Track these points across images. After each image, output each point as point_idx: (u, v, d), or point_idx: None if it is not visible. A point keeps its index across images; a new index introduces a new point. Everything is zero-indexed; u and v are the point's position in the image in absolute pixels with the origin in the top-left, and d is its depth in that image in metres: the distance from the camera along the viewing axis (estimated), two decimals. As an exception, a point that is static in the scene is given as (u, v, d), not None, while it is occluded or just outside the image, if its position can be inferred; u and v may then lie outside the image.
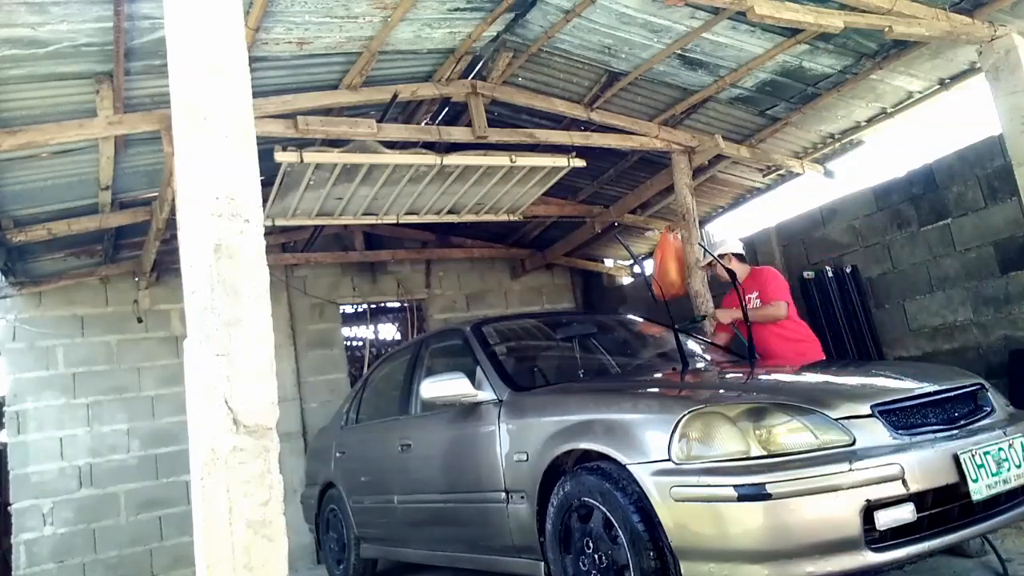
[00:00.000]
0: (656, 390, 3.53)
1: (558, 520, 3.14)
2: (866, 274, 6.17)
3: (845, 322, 6.20)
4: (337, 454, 5.42)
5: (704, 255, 4.95)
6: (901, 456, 2.52)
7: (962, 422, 2.85)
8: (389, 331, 8.99)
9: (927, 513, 2.52)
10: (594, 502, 2.95)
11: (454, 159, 5.49)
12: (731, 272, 4.53)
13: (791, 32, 4.70)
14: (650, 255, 7.82)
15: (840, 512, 2.41)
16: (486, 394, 3.73)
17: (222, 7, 2.33)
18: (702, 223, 7.24)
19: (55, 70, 4.04)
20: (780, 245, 6.89)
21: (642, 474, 2.73)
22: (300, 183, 5.35)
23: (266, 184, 3.55)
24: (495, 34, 4.88)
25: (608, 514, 2.88)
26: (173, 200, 4.65)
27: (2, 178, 4.96)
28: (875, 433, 2.63)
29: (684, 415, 2.71)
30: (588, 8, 4.50)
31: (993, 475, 2.64)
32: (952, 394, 2.95)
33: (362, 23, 4.31)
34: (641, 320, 5.20)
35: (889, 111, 5.81)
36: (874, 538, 2.43)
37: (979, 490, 2.58)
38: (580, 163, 5.92)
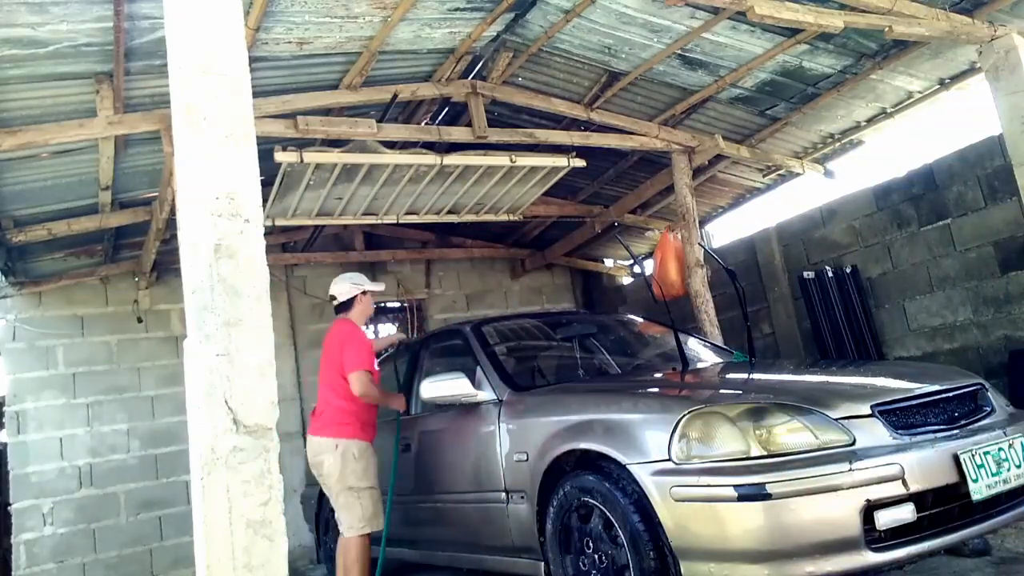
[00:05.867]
0: (656, 390, 3.53)
1: (558, 520, 3.14)
2: (866, 274, 6.17)
3: (845, 322, 6.20)
4: (337, 454, 5.41)
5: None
6: (901, 456, 2.53)
7: (962, 422, 2.85)
8: (389, 331, 8.98)
9: (927, 513, 2.53)
10: (594, 502, 2.95)
11: (454, 159, 5.49)
12: (731, 272, 4.52)
13: (791, 32, 4.70)
14: (650, 255, 7.83)
15: (840, 512, 2.42)
16: (486, 394, 3.74)
17: (222, 7, 2.32)
18: (702, 223, 7.25)
19: (55, 70, 4.04)
20: (780, 245, 6.89)
21: (642, 474, 2.73)
22: (300, 183, 5.35)
23: (266, 184, 3.55)
24: (495, 34, 4.87)
25: (608, 514, 2.88)
26: (173, 200, 4.65)
27: (2, 178, 4.96)
28: (875, 433, 2.63)
29: (684, 415, 2.71)
30: (588, 8, 4.50)
31: (993, 475, 2.64)
32: (952, 394, 2.95)
33: (362, 23, 4.31)
34: (641, 320, 5.20)
35: (889, 111, 5.81)
36: (874, 538, 2.43)
37: (979, 490, 2.58)
38: (580, 163, 5.92)
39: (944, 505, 2.57)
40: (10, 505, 6.43)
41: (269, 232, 3.16)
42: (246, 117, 2.29)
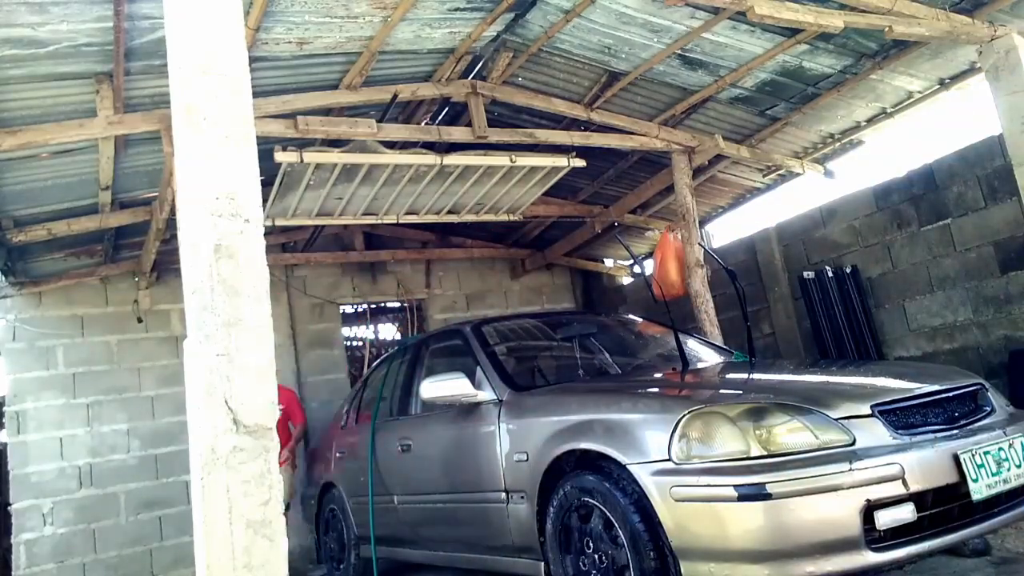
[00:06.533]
0: (656, 390, 3.53)
1: (558, 520, 3.14)
2: (866, 274, 6.17)
3: (845, 322, 6.20)
4: (337, 454, 5.42)
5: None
6: (901, 456, 2.52)
7: (962, 422, 2.85)
8: (389, 331, 8.98)
9: (927, 513, 2.52)
10: (594, 502, 2.95)
11: (454, 159, 5.49)
12: (731, 272, 4.52)
13: (791, 32, 4.70)
14: (650, 255, 7.83)
15: (840, 512, 2.41)
16: (486, 394, 3.73)
17: (222, 7, 2.33)
18: (702, 223, 7.25)
19: (55, 70, 4.04)
20: (780, 245, 6.89)
21: (642, 474, 2.73)
22: (300, 183, 5.35)
23: (266, 184, 3.55)
24: (495, 34, 4.87)
25: (608, 514, 2.88)
26: (173, 200, 4.65)
27: (2, 178, 4.96)
28: (875, 433, 2.63)
29: (684, 415, 2.71)
30: (588, 8, 4.50)
31: (993, 475, 2.64)
32: (952, 394, 2.95)
33: (362, 23, 4.31)
34: (641, 320, 5.20)
35: (889, 111, 5.81)
36: (874, 538, 2.43)
37: (979, 490, 2.58)
38: (580, 163, 5.93)
39: (944, 505, 2.56)
40: (10, 505, 6.43)
41: (269, 232, 3.16)
42: (246, 117, 2.29)
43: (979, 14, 4.50)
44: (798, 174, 6.70)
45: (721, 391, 3.31)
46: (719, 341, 5.49)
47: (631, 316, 5.57)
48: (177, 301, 6.82)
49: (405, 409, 4.67)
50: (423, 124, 5.77)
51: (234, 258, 2.14)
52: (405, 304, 8.58)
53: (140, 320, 7.04)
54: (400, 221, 6.47)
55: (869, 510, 2.42)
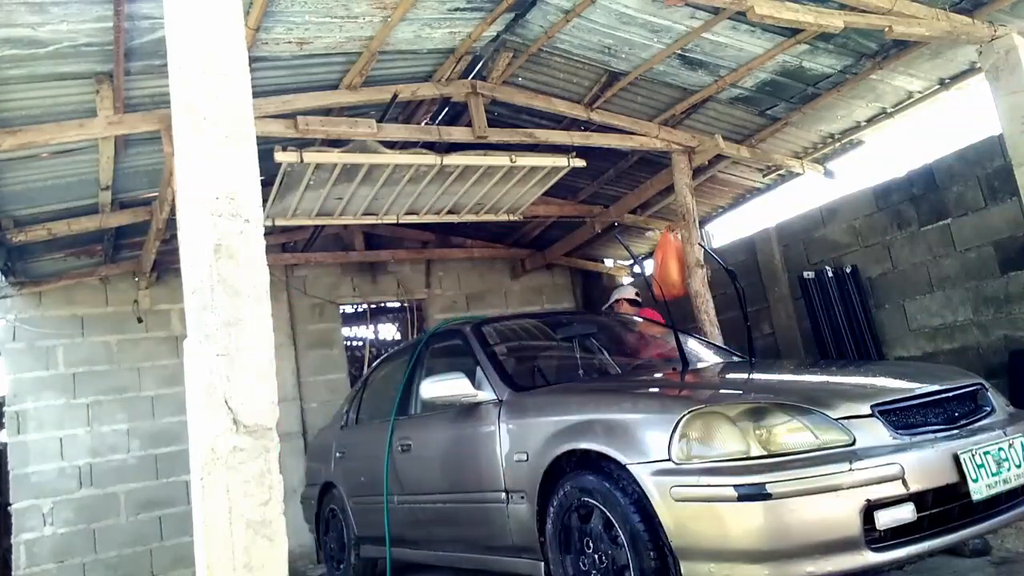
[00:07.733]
0: (656, 390, 3.53)
1: (558, 520, 3.14)
2: (866, 274, 6.17)
3: (845, 322, 6.20)
4: (337, 454, 5.42)
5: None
6: (901, 456, 2.52)
7: (962, 422, 2.85)
8: (389, 331, 8.99)
9: (927, 513, 2.52)
10: (594, 502, 2.95)
11: (454, 159, 5.49)
12: (731, 272, 4.52)
13: (791, 32, 4.70)
14: (650, 255, 7.83)
15: (840, 512, 2.41)
16: (486, 394, 3.73)
17: (222, 7, 2.33)
18: (702, 223, 7.25)
19: (55, 70, 4.04)
20: (780, 245, 6.89)
21: (642, 474, 2.73)
22: (300, 183, 5.35)
23: (266, 184, 3.56)
24: (495, 34, 4.88)
25: (608, 514, 2.88)
26: (173, 200, 4.65)
27: (2, 178, 4.96)
28: (875, 433, 2.63)
29: (684, 415, 2.70)
30: (588, 8, 4.50)
31: (993, 475, 2.64)
32: (952, 394, 2.95)
33: (362, 23, 4.31)
34: (641, 320, 5.20)
35: (889, 111, 5.81)
36: (874, 538, 2.43)
37: (979, 490, 2.58)
38: (580, 163, 5.93)
39: (944, 505, 2.56)
40: (10, 505, 6.43)
41: (269, 232, 3.16)
42: (246, 117, 2.29)
43: (979, 14, 4.50)
44: (798, 174, 6.70)
45: (721, 391, 3.31)
46: (719, 341, 5.49)
47: (631, 316, 5.57)
48: (177, 301, 6.82)
49: (405, 409, 4.67)
50: (423, 124, 5.77)
51: (234, 258, 2.14)
52: (405, 304, 8.58)
53: (140, 320, 7.05)
54: (400, 221, 6.48)
55: (869, 510, 2.41)
